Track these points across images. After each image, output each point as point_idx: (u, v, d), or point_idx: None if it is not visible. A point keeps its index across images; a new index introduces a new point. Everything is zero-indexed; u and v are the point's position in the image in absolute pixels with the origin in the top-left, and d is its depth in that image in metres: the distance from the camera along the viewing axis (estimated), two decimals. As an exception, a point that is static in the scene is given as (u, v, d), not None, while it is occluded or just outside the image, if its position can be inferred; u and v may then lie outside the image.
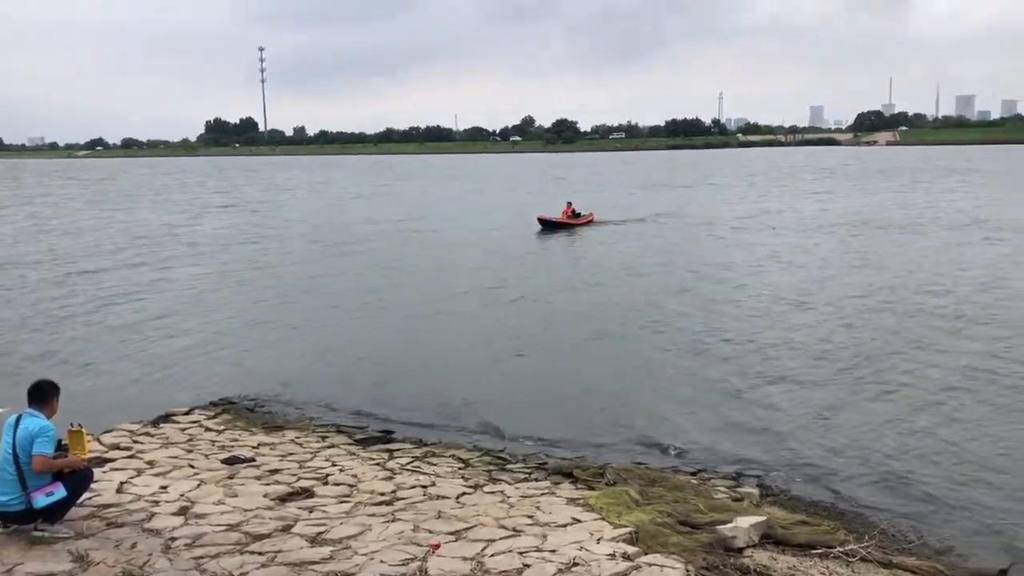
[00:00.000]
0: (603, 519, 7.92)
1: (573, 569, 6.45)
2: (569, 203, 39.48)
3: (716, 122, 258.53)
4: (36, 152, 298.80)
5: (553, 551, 6.91)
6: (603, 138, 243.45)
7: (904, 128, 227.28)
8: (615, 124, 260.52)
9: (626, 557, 6.77)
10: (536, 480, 9.63)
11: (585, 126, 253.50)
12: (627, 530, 7.53)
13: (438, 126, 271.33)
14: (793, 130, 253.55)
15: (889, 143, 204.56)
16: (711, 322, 18.06)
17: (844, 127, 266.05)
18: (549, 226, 36.95)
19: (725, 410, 12.44)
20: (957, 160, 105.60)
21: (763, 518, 7.86)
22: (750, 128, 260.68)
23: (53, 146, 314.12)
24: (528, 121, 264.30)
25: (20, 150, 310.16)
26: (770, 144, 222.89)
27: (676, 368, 14.71)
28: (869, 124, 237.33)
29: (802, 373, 14.10)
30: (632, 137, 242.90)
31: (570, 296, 21.73)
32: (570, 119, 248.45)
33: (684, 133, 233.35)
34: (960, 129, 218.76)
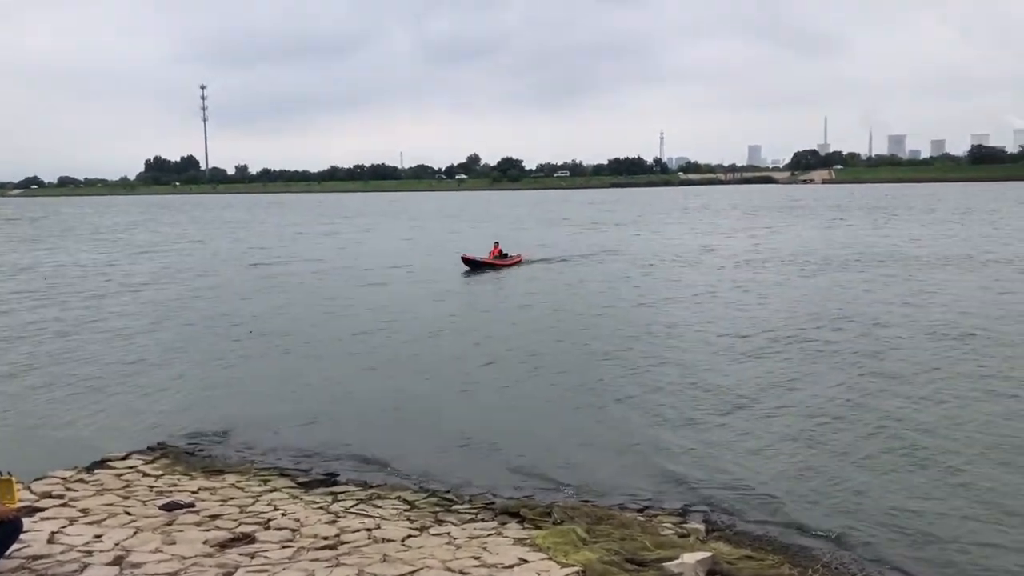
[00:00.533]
0: (550, 559, 7.88)
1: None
2: (496, 243, 38.98)
3: (658, 161, 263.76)
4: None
5: (500, 593, 6.85)
6: (548, 176, 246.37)
7: (839, 167, 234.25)
8: (559, 163, 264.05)
9: (573, 597, 6.73)
10: (483, 521, 9.54)
11: (530, 164, 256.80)
12: (574, 569, 7.50)
13: (383, 164, 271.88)
14: (732, 169, 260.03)
15: (825, 181, 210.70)
16: (650, 358, 18.21)
17: (782, 166, 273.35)
18: (474, 265, 36.58)
19: (670, 446, 12.51)
20: (888, 198, 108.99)
21: (709, 554, 7.89)
22: (691, 167, 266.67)
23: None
24: (474, 159, 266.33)
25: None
26: (710, 182, 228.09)
27: (620, 405, 14.77)
28: (806, 163, 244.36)
29: (743, 408, 14.27)
30: (576, 175, 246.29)
31: (505, 335, 21.66)
32: (515, 157, 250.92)
33: (627, 171, 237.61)
34: (893, 168, 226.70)
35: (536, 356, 18.84)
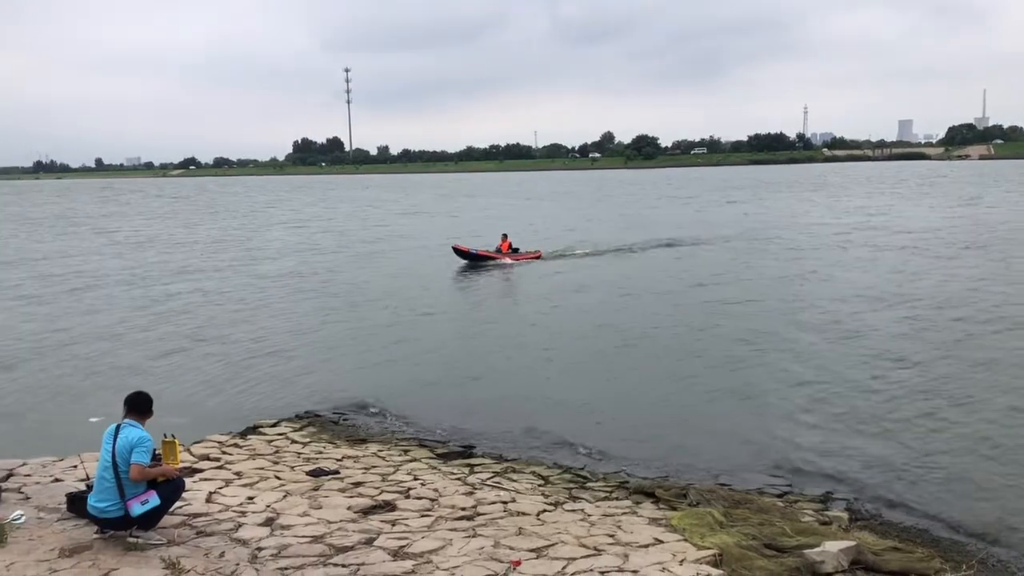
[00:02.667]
0: (686, 540, 7.79)
1: (655, 590, 6.35)
2: (505, 236, 34.44)
3: (801, 137, 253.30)
4: (133, 171, 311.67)
5: (635, 572, 6.83)
6: (684, 153, 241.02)
7: (999, 141, 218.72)
8: (697, 139, 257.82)
9: (710, 580, 6.63)
10: (617, 499, 9.54)
11: (666, 142, 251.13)
12: (711, 552, 7.39)
13: (517, 144, 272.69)
14: (881, 144, 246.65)
15: (983, 157, 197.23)
16: (788, 341, 17.65)
17: (935, 141, 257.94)
18: (471, 258, 32.28)
19: (809, 431, 12.12)
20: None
21: (853, 543, 7.60)
22: (836, 143, 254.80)
23: (149, 165, 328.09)
24: (608, 137, 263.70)
25: (119, 169, 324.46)
26: (857, 159, 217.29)
27: (759, 387, 14.42)
28: (961, 138, 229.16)
29: (889, 395, 13.64)
30: (714, 152, 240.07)
31: (639, 314, 21.45)
32: (650, 135, 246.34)
33: (768, 148, 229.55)
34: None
35: (665, 340, 18.59)
